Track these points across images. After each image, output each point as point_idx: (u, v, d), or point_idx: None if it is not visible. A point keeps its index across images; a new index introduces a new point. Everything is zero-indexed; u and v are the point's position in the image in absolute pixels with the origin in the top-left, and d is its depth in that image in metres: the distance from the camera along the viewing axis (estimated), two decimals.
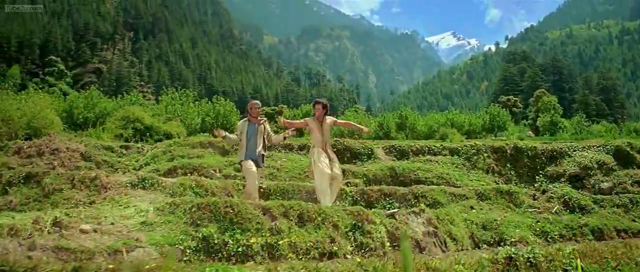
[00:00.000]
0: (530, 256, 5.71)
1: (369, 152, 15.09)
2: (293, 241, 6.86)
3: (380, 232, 7.80)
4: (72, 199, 8.46)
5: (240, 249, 6.46)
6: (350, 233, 7.53)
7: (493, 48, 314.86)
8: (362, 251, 7.39)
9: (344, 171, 13.34)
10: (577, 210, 11.83)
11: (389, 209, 9.55)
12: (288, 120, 9.48)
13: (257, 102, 9.56)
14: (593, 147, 15.74)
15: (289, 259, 6.66)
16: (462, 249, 8.89)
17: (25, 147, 13.65)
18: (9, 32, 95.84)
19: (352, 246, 7.36)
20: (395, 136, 33.10)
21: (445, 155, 15.37)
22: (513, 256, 5.75)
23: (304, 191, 10.50)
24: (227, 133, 9.22)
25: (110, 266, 4.65)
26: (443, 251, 8.45)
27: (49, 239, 5.88)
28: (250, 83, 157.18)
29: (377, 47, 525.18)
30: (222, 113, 32.97)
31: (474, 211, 10.72)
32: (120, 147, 15.24)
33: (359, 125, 10.41)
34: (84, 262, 5.61)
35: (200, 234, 6.46)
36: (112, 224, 6.79)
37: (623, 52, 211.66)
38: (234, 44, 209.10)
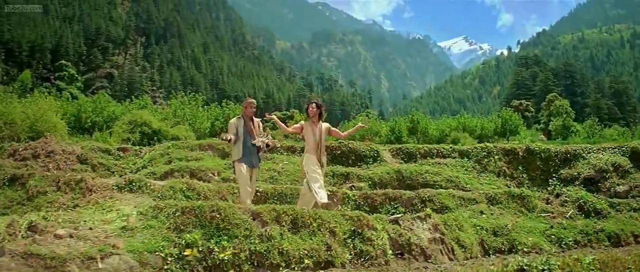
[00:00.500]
0: (545, 267, 5.11)
1: (375, 155, 14.52)
2: (285, 249, 6.35)
3: (382, 239, 7.29)
4: (56, 202, 8.05)
5: (226, 258, 5.94)
6: (349, 240, 7.02)
7: (505, 52, 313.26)
8: (362, 259, 6.89)
9: (348, 174, 12.84)
10: (593, 214, 11.24)
11: (393, 214, 9.00)
12: (281, 124, 8.69)
13: (253, 101, 9.06)
14: (608, 149, 15.11)
15: (280, 269, 6.16)
16: (471, 257, 8.38)
17: (20, 149, 13.28)
18: (20, 37, 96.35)
19: (350, 254, 6.87)
20: (406, 140, 32.82)
21: (454, 157, 14.77)
22: (525, 267, 5.16)
23: (297, 194, 9.94)
24: (233, 136, 8.62)
25: None
26: (450, 259, 7.94)
27: (20, 245, 5.46)
28: (262, 88, 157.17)
29: (389, 52, 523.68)
30: (231, 117, 32.86)
31: (484, 216, 10.16)
32: (118, 149, 14.83)
33: (354, 128, 9.53)
34: (53, 270, 5.17)
35: (184, 240, 5.95)
36: (90, 229, 6.32)
37: (635, 56, 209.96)
38: (246, 49, 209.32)
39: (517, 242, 9.14)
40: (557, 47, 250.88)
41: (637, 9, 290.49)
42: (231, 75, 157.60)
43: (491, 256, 8.75)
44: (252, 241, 6.26)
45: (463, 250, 8.35)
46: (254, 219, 6.60)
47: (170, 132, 23.87)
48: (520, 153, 14.80)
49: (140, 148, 15.64)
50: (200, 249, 5.93)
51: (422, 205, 10.33)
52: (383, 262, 6.94)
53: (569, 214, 11.09)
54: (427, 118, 41.19)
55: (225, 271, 5.87)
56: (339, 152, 14.20)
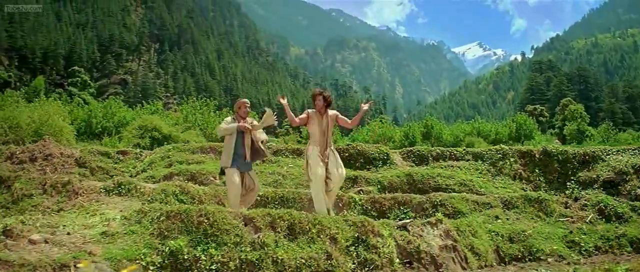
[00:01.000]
0: None
1: (385, 157, 13.91)
2: (280, 258, 5.77)
3: (388, 246, 6.71)
4: (41, 205, 7.54)
5: (214, 267, 5.40)
6: (352, 248, 6.43)
7: (519, 58, 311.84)
8: (366, 269, 6.31)
9: (356, 178, 12.27)
10: (614, 219, 10.57)
11: (402, 220, 8.40)
12: (290, 112, 7.93)
13: (246, 100, 8.45)
14: (628, 150, 14.44)
15: None
16: (485, 266, 7.79)
17: (17, 152, 12.86)
18: (33, 43, 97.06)
19: (353, 264, 6.29)
20: (420, 145, 32.33)
21: (468, 160, 14.13)
22: None
23: (307, 199, 9.36)
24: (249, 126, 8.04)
25: None
26: (463, 268, 7.37)
27: None
28: (276, 94, 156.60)
29: (403, 58, 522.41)
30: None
31: (499, 221, 9.54)
32: (118, 153, 14.34)
33: (359, 114, 8.20)
34: None
35: (167, 247, 5.41)
36: (68, 234, 5.84)
37: None
38: (260, 56, 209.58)
39: (534, 249, 8.52)
40: (570, 52, 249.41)
41: None
42: (245, 81, 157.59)
43: (508, 263, 8.16)
44: (243, 248, 5.69)
45: (477, 258, 7.76)
46: (245, 225, 6.03)
47: (181, 137, 23.64)
48: (537, 155, 14.16)
49: (141, 151, 15.19)
50: (186, 258, 5.39)
51: (434, 210, 9.72)
52: None
53: (588, 218, 10.45)
54: (441, 123, 40.75)
55: None
56: (347, 154, 13.61)
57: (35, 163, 12.39)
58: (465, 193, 11.20)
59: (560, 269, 7.47)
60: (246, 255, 5.63)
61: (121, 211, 6.87)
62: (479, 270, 7.54)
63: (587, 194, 12.07)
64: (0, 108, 21.57)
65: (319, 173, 7.59)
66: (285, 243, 6.02)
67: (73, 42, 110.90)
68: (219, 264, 5.44)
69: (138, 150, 15.57)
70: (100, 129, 28.27)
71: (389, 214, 9.60)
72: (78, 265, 4.90)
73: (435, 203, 9.96)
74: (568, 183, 13.39)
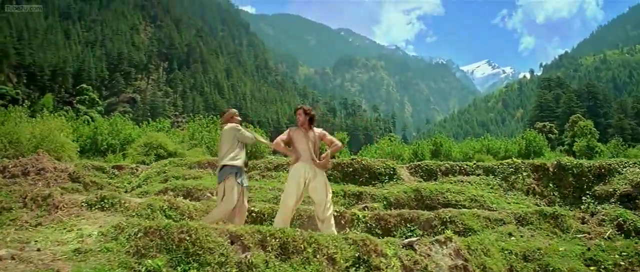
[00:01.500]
0: None
1: (391, 172, 13.35)
2: None
3: (392, 267, 6.09)
4: (19, 219, 7.03)
5: None
6: (352, 269, 5.82)
7: (528, 75, 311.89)
8: None
9: (360, 194, 11.72)
10: (633, 234, 9.96)
11: (408, 238, 7.82)
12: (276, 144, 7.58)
13: (234, 110, 8.05)
14: None
15: None
16: None
17: (10, 166, 12.47)
18: (42, 61, 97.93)
19: None
20: None
21: (479, 175, 13.56)
22: None
23: (306, 216, 8.81)
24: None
25: None
26: None
27: None
28: (285, 113, 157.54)
29: (412, 76, 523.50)
30: None
31: (513, 238, 8.96)
32: (113, 167, 13.89)
33: (333, 149, 7.63)
34: None
35: (144, 267, 4.84)
36: (39, 250, 5.31)
37: None
38: (269, 75, 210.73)
39: (551, 268, 7.90)
40: (579, 69, 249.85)
41: None
42: (254, 100, 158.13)
43: None
44: (228, 269, 5.09)
45: None
46: (232, 243, 5.43)
47: (187, 154, 23.33)
48: (551, 169, 13.58)
49: (137, 166, 14.72)
50: None
51: (443, 227, 9.18)
52: None
53: (607, 234, 9.86)
54: (450, 141, 40.35)
55: None
56: (351, 169, 13.09)
57: (27, 177, 12.06)
58: (476, 209, 10.65)
59: None
60: None
61: (100, 226, 6.35)
62: None
63: (604, 208, 11.50)
64: (2, 123, 21.26)
65: (290, 205, 7.27)
66: (276, 264, 5.42)
67: (82, 60, 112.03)
68: None
69: (134, 165, 15.11)
70: (105, 146, 28.08)
71: (394, 232, 9.08)
72: None
73: (445, 220, 9.42)
74: (583, 197, 12.82)
